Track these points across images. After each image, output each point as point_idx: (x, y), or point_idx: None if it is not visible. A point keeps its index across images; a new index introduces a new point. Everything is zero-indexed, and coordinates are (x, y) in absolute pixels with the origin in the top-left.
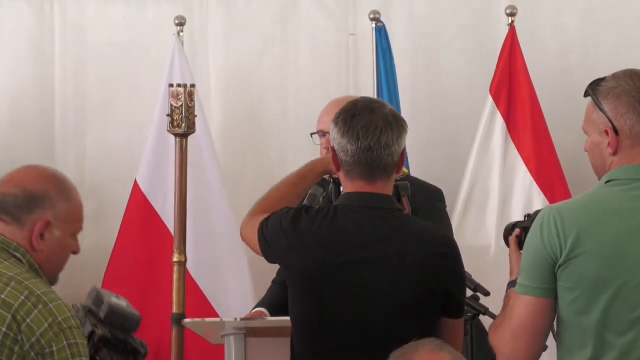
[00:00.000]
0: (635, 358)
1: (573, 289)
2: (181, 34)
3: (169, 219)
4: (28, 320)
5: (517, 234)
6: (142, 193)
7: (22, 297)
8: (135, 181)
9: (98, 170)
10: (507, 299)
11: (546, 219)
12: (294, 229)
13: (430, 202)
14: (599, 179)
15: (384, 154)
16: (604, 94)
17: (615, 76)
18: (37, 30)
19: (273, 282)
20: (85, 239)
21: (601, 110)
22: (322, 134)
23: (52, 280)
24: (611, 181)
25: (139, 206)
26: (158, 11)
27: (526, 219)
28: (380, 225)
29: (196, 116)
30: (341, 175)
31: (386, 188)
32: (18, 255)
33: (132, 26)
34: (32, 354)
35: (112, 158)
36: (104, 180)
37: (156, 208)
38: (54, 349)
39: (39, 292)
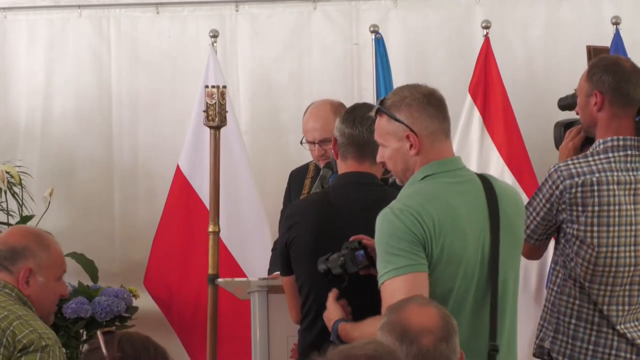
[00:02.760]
0: (481, 315)
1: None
2: (215, 44)
3: (205, 196)
4: (11, 328)
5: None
6: (183, 175)
7: (5, 313)
8: (178, 166)
9: (148, 158)
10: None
11: (400, 213)
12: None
13: None
14: (403, 181)
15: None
16: (395, 107)
17: (396, 91)
18: (97, 42)
19: (273, 250)
20: (138, 212)
21: (397, 120)
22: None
23: (46, 321)
24: (426, 177)
25: (181, 186)
26: (196, 25)
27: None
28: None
29: (227, 112)
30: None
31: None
32: (7, 290)
33: (175, 38)
34: (17, 353)
35: (160, 147)
36: (153, 165)
37: (194, 187)
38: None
39: (20, 314)
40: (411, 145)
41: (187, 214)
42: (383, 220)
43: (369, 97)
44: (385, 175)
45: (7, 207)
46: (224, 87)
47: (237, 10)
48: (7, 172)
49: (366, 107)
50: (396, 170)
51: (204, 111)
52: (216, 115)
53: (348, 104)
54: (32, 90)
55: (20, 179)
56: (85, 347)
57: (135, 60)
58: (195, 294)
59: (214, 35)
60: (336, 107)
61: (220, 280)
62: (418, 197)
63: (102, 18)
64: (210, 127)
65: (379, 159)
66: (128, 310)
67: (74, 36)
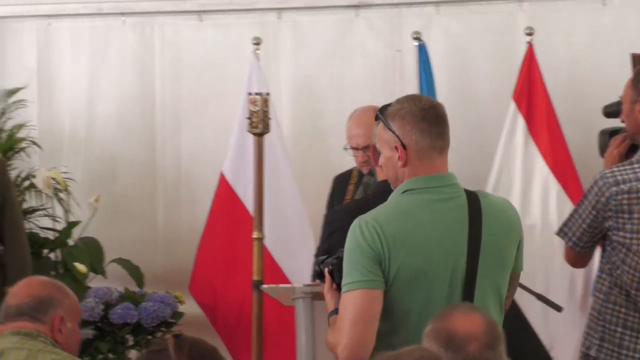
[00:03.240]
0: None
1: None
2: (258, 51)
3: (249, 203)
4: None
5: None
6: (227, 182)
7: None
8: (221, 172)
9: (191, 164)
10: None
11: (365, 226)
12: None
13: None
14: (394, 187)
15: None
16: (391, 116)
17: (399, 100)
18: (141, 49)
19: (315, 256)
20: (181, 218)
21: (390, 129)
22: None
23: None
24: (407, 191)
25: (225, 193)
26: (239, 33)
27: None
28: None
29: (270, 119)
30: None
31: None
32: (41, 338)
33: (218, 45)
34: None
35: (202, 154)
36: (196, 172)
37: (238, 194)
38: None
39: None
40: (399, 157)
41: (231, 220)
42: (351, 230)
43: None
44: None
45: (54, 213)
46: (267, 94)
47: (279, 18)
48: (53, 178)
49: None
50: (389, 178)
51: (247, 118)
52: (259, 122)
53: None
54: (76, 97)
55: (66, 185)
56: (149, 347)
57: (179, 68)
58: (240, 300)
59: (257, 42)
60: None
61: (264, 286)
62: (389, 211)
63: (145, 26)
64: (254, 134)
65: (379, 163)
66: (174, 316)
67: (118, 44)
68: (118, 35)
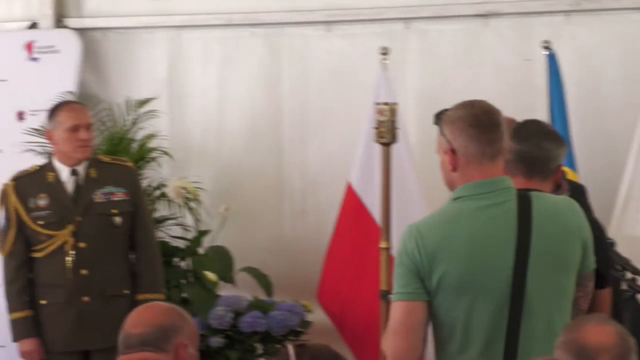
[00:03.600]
0: (494, 350)
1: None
2: (385, 61)
3: (376, 213)
4: None
5: None
6: (354, 192)
7: None
8: (348, 182)
9: (317, 174)
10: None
11: (408, 235)
12: None
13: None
14: (451, 190)
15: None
16: (444, 121)
17: (456, 105)
18: (269, 59)
19: None
20: (307, 228)
21: (442, 134)
22: None
23: None
24: (457, 198)
25: (352, 202)
26: (366, 43)
27: None
28: None
29: (397, 128)
30: None
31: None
32: None
33: (345, 55)
34: None
35: (329, 163)
36: (322, 181)
37: (365, 204)
38: None
39: None
40: (449, 161)
41: (358, 230)
42: (401, 236)
43: (540, 113)
44: (556, 191)
45: (184, 222)
46: (395, 104)
47: (407, 27)
48: (183, 188)
49: (536, 123)
50: (445, 183)
51: (374, 128)
52: (387, 132)
53: (518, 119)
54: (206, 108)
55: (196, 195)
56: (274, 357)
57: (306, 78)
58: (368, 310)
59: (384, 52)
60: (508, 123)
61: (392, 296)
62: (434, 220)
63: (274, 37)
64: (381, 144)
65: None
66: (302, 325)
67: (247, 54)
68: (247, 46)
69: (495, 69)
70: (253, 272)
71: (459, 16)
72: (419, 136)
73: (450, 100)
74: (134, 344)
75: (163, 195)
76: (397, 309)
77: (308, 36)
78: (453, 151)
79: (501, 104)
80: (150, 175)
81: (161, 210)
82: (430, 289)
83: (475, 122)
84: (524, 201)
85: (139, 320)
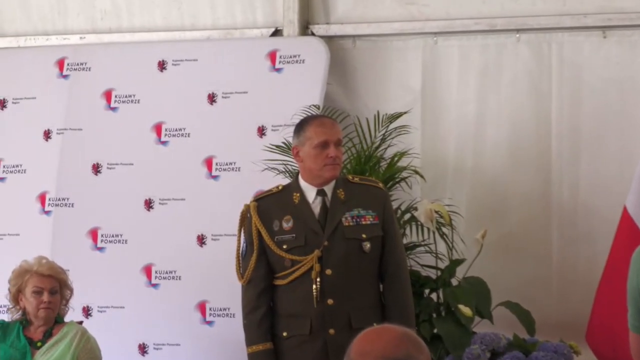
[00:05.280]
0: None
1: None
2: None
3: None
4: None
5: None
6: (630, 217)
7: None
8: (624, 206)
9: (590, 196)
10: None
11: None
12: None
13: None
14: None
15: None
16: None
17: None
18: (536, 68)
19: None
20: (578, 257)
21: None
22: None
23: None
24: None
25: (628, 229)
26: None
27: None
28: None
29: None
30: None
31: None
32: None
33: (623, 64)
34: None
35: (603, 185)
36: (595, 205)
37: None
38: None
39: None
40: None
41: None
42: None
43: None
44: None
45: (436, 250)
46: None
47: None
48: (436, 211)
49: None
50: None
51: None
52: None
53: None
54: (463, 122)
55: (450, 219)
56: None
57: (578, 89)
58: None
59: None
60: None
61: None
62: None
63: (542, 43)
64: None
65: None
66: None
67: (511, 63)
68: (511, 53)
69: None
70: (513, 307)
71: None
72: None
73: None
74: None
75: (413, 219)
76: (632, 340)
77: (581, 43)
78: None
79: None
80: (399, 197)
81: (411, 235)
82: None
83: None
84: None
85: (366, 349)
